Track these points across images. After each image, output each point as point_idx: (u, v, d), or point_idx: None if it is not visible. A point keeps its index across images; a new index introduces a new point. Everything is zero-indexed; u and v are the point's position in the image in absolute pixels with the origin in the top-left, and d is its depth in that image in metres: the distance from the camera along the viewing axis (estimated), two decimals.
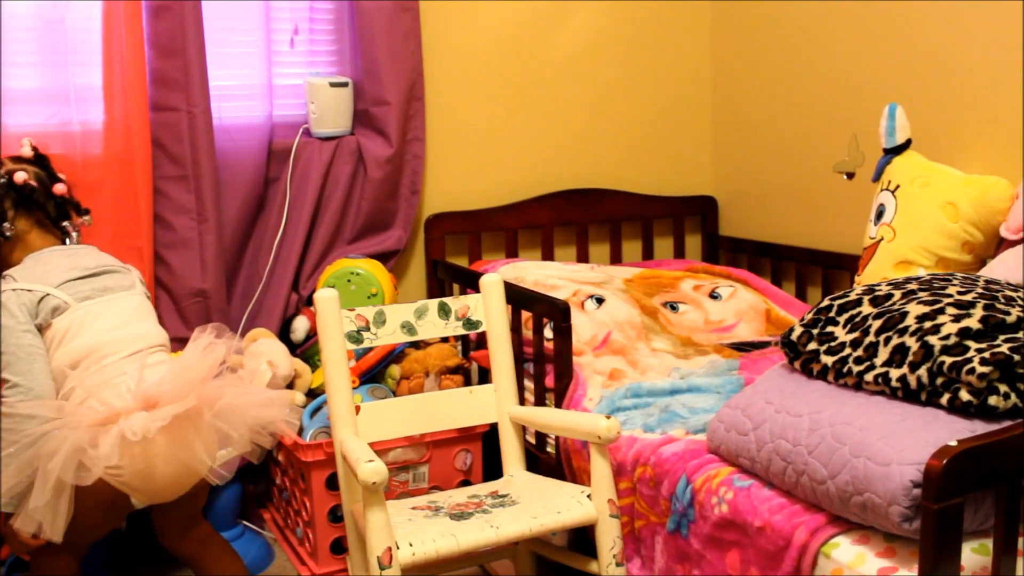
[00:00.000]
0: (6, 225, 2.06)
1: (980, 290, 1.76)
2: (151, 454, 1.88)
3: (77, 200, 2.22)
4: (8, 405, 1.89)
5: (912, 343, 1.71)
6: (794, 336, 1.94)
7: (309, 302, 2.98)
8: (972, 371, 1.60)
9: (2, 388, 1.93)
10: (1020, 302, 1.73)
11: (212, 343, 2.01)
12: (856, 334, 1.82)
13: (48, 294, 1.98)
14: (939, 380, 1.65)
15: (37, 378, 1.93)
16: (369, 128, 3.06)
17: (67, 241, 2.13)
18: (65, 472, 1.80)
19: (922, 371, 1.68)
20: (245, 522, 2.83)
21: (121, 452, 1.83)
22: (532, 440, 2.60)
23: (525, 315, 2.68)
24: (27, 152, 2.17)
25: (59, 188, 2.13)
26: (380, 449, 2.43)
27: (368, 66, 3.01)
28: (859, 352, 1.80)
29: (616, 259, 3.49)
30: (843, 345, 1.84)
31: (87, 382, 1.94)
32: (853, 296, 1.91)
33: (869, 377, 1.76)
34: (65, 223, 2.14)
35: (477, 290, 2.35)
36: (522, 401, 2.47)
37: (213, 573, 2.18)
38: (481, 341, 2.84)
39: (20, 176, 2.08)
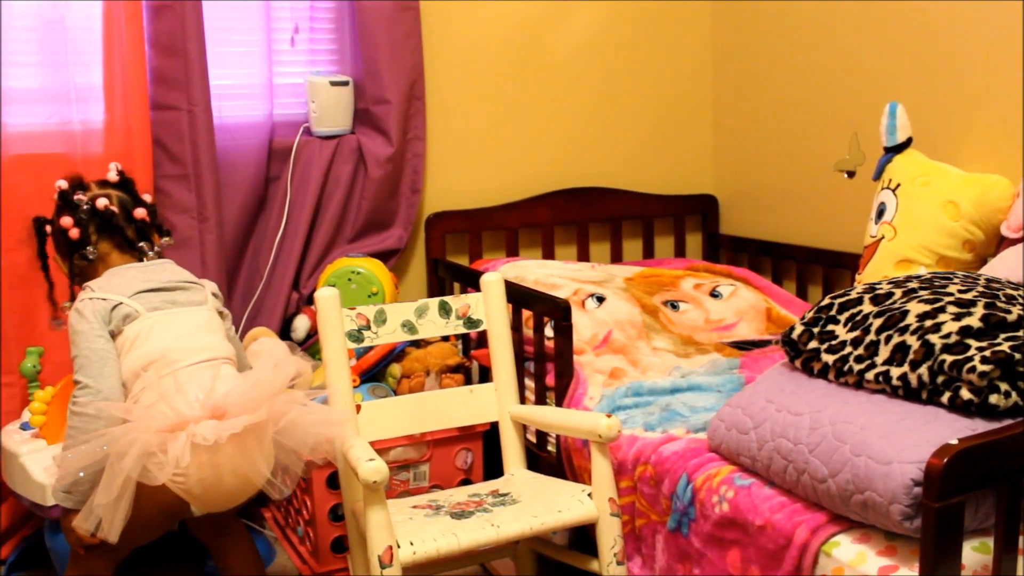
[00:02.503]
0: (89, 249, 2.15)
1: (981, 289, 1.76)
2: (218, 463, 1.91)
3: (159, 222, 2.30)
4: (79, 404, 1.95)
5: (913, 342, 1.71)
6: (795, 335, 1.94)
7: (310, 301, 2.98)
8: (973, 370, 1.60)
9: (74, 390, 1.99)
10: (1021, 301, 1.73)
11: (284, 360, 2.05)
12: (857, 333, 1.82)
13: (121, 303, 2.05)
14: (940, 379, 1.65)
15: (107, 381, 1.99)
16: (370, 127, 3.06)
17: (143, 259, 2.20)
18: (133, 472, 1.84)
19: (923, 370, 1.67)
20: (246, 521, 2.83)
21: (190, 459, 1.86)
22: (533, 439, 2.60)
23: (526, 314, 2.68)
24: (113, 176, 2.25)
25: (139, 212, 2.21)
26: (381, 448, 2.43)
27: (368, 65, 3.01)
28: (860, 351, 1.80)
29: (617, 258, 3.49)
30: (844, 344, 1.84)
31: (159, 385, 1.98)
32: (854, 295, 1.91)
33: (870, 376, 1.76)
34: (142, 244, 2.21)
35: (478, 289, 2.35)
36: (523, 400, 2.47)
37: (232, 564, 2.20)
38: (482, 340, 2.84)
39: (102, 202, 2.16)
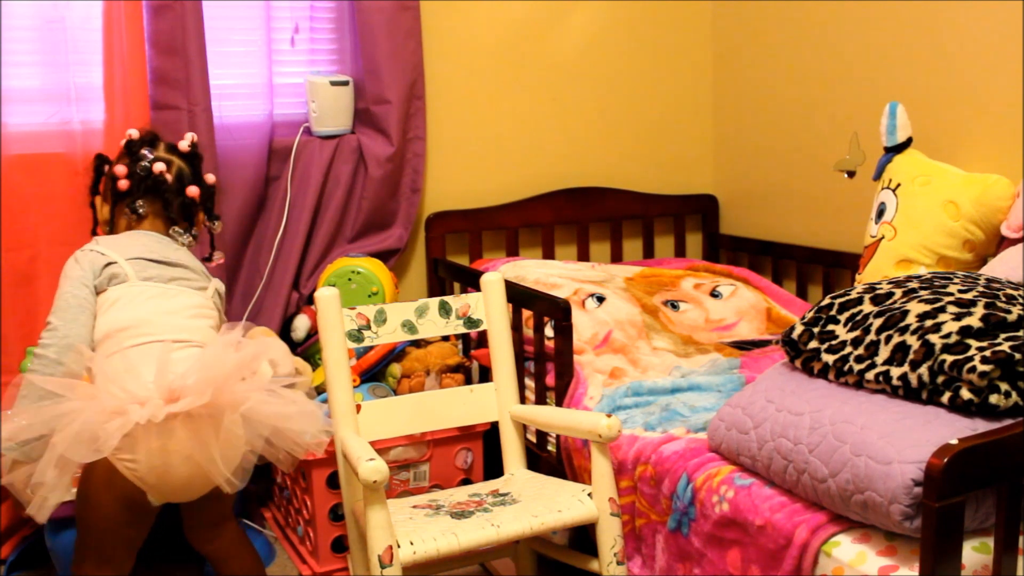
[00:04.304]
0: (139, 203, 2.17)
1: (981, 289, 1.76)
2: (168, 450, 1.87)
3: (212, 205, 2.30)
4: (42, 346, 1.96)
5: (913, 341, 1.71)
6: (795, 335, 1.94)
7: (310, 301, 2.98)
8: (973, 369, 1.60)
9: (42, 331, 2.00)
10: (1021, 301, 1.73)
11: (240, 341, 2.01)
12: (857, 332, 1.82)
13: (114, 262, 2.06)
14: (940, 379, 1.65)
15: (76, 329, 1.99)
16: (370, 127, 3.06)
17: (171, 236, 2.21)
18: (69, 451, 1.81)
19: (923, 369, 1.67)
20: (246, 521, 2.83)
21: (137, 444, 1.84)
22: (533, 439, 2.60)
23: (526, 314, 2.68)
24: (185, 146, 2.26)
25: (192, 190, 2.22)
26: (381, 448, 2.43)
27: (369, 65, 3.01)
28: (860, 351, 1.80)
29: (617, 258, 3.49)
30: (844, 344, 1.84)
31: (107, 368, 1.93)
32: (854, 295, 1.91)
33: (870, 376, 1.76)
34: (181, 224, 2.22)
35: (478, 289, 2.35)
36: (523, 400, 2.47)
37: (234, 574, 2.16)
38: (482, 340, 2.84)
39: (159, 167, 2.18)
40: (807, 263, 3.19)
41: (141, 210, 2.18)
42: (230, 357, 1.94)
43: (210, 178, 2.32)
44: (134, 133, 2.23)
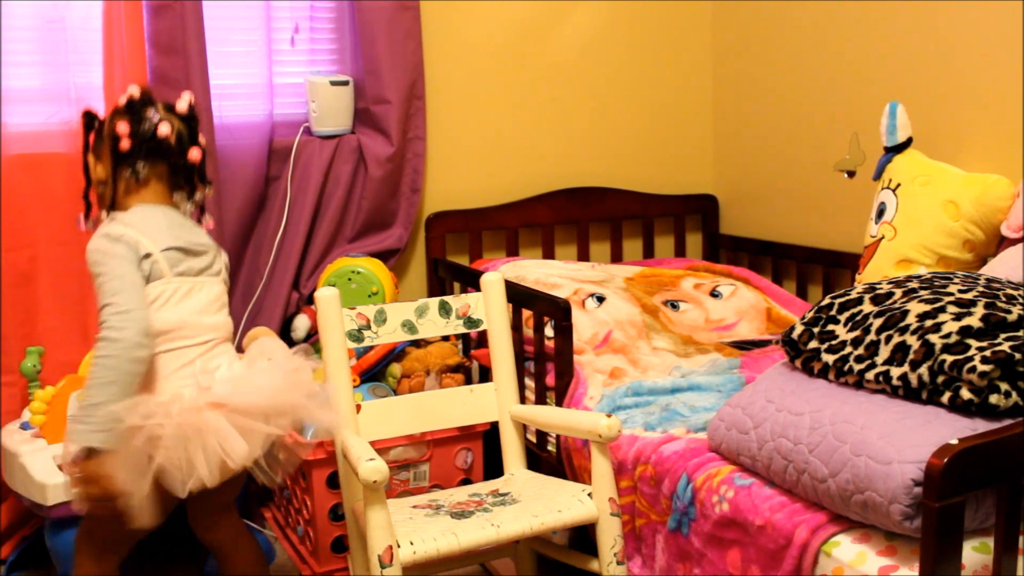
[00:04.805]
0: (140, 164, 2.05)
1: (981, 289, 1.76)
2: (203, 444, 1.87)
3: (204, 170, 2.19)
4: (115, 328, 1.85)
5: (913, 341, 1.71)
6: (795, 335, 1.94)
7: (310, 301, 2.98)
8: (973, 369, 1.60)
9: (103, 313, 1.89)
10: (1021, 301, 1.73)
11: (300, 367, 2.02)
12: (857, 332, 1.82)
13: (151, 254, 1.97)
14: (940, 378, 1.65)
15: (143, 311, 1.90)
16: (370, 127, 3.06)
17: (173, 204, 2.13)
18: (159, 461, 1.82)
19: (923, 369, 1.67)
20: (246, 520, 2.83)
21: (175, 442, 1.83)
22: (533, 439, 2.60)
23: (526, 314, 2.68)
24: (182, 107, 2.14)
25: (194, 154, 2.11)
26: (381, 448, 2.43)
27: (369, 65, 3.01)
28: (860, 351, 1.80)
29: (617, 258, 3.49)
30: (844, 344, 1.84)
31: (178, 357, 1.95)
32: (854, 295, 1.91)
33: (870, 376, 1.76)
34: (182, 189, 2.13)
35: (478, 289, 2.35)
36: (523, 400, 2.47)
37: (237, 565, 2.17)
38: (482, 340, 2.84)
39: (164, 129, 2.06)
40: (807, 263, 3.19)
41: (142, 173, 2.06)
42: (284, 384, 1.97)
43: (202, 140, 2.21)
44: (135, 91, 2.11)
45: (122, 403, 1.84)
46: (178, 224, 2.08)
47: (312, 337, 2.87)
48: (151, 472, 1.83)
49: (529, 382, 2.73)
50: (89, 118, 2.13)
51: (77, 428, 1.85)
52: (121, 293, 1.89)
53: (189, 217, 2.16)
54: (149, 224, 2.02)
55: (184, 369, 1.96)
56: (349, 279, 2.86)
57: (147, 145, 2.06)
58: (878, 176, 2.62)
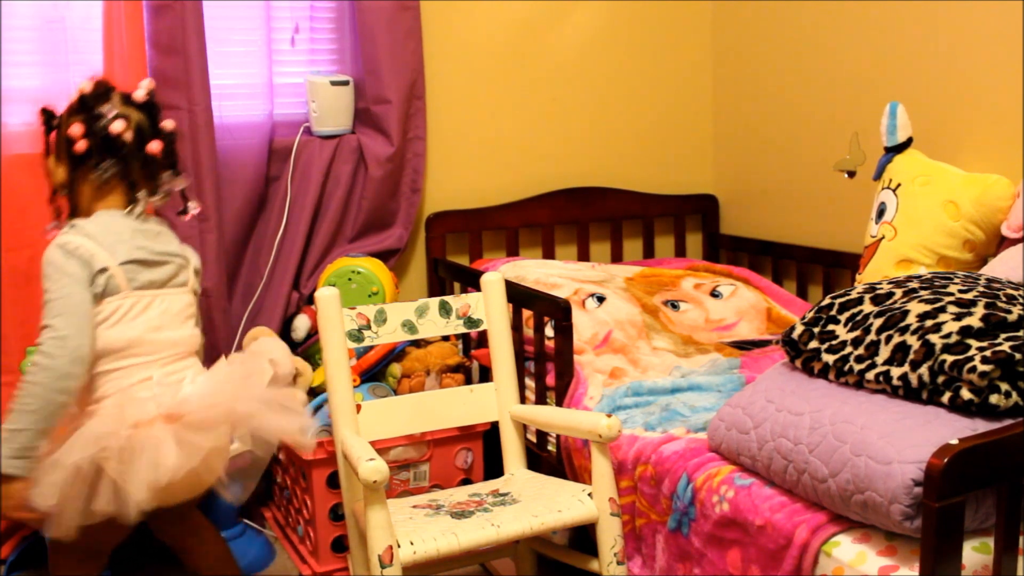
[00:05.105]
0: (105, 165, 1.96)
1: (981, 289, 1.76)
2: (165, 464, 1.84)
3: (173, 160, 2.07)
4: (47, 355, 1.79)
5: (913, 342, 1.71)
6: (795, 335, 1.94)
7: (310, 301, 2.98)
8: (973, 369, 1.60)
9: (42, 335, 1.82)
10: (1021, 301, 1.73)
11: (252, 372, 2.00)
12: (857, 332, 1.82)
13: (109, 269, 1.89)
14: (940, 379, 1.65)
15: (84, 337, 1.82)
16: (370, 127, 3.06)
17: (135, 208, 2.02)
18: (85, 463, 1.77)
19: (923, 369, 1.67)
20: (246, 520, 2.83)
21: (135, 455, 1.80)
22: (533, 439, 2.60)
23: (526, 313, 2.68)
24: (140, 95, 2.02)
25: (153, 147, 2.00)
26: (381, 447, 2.43)
27: (369, 65, 3.01)
28: (860, 351, 1.80)
29: (617, 258, 3.49)
30: (844, 344, 1.84)
31: (126, 374, 1.90)
32: (854, 295, 1.91)
33: (870, 376, 1.76)
34: (144, 188, 2.02)
35: (478, 288, 2.35)
36: (523, 400, 2.47)
37: (202, 564, 2.16)
38: (482, 340, 2.84)
39: (117, 126, 1.95)
40: (807, 263, 3.19)
41: (103, 175, 1.96)
42: (241, 389, 1.95)
43: (168, 124, 2.08)
44: (87, 87, 1.99)
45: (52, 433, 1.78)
46: (141, 232, 1.99)
47: (312, 337, 2.87)
48: (95, 492, 1.78)
49: (529, 382, 2.73)
50: (47, 116, 2.03)
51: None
52: (62, 316, 1.82)
53: (154, 220, 2.07)
54: (109, 234, 1.93)
55: (140, 385, 1.92)
56: (349, 279, 2.86)
57: (103, 145, 1.96)
58: (878, 176, 2.62)
